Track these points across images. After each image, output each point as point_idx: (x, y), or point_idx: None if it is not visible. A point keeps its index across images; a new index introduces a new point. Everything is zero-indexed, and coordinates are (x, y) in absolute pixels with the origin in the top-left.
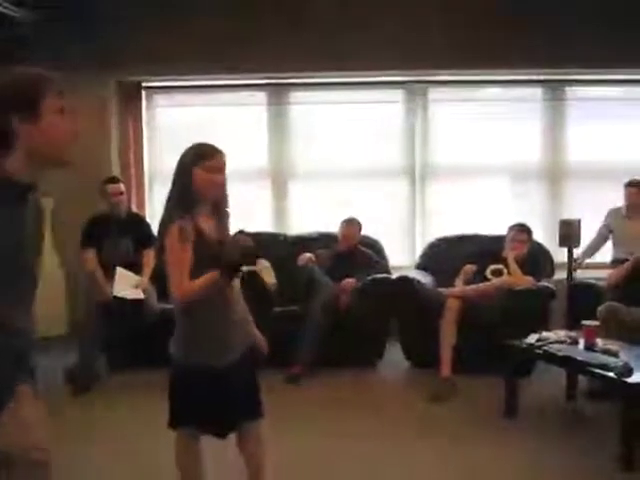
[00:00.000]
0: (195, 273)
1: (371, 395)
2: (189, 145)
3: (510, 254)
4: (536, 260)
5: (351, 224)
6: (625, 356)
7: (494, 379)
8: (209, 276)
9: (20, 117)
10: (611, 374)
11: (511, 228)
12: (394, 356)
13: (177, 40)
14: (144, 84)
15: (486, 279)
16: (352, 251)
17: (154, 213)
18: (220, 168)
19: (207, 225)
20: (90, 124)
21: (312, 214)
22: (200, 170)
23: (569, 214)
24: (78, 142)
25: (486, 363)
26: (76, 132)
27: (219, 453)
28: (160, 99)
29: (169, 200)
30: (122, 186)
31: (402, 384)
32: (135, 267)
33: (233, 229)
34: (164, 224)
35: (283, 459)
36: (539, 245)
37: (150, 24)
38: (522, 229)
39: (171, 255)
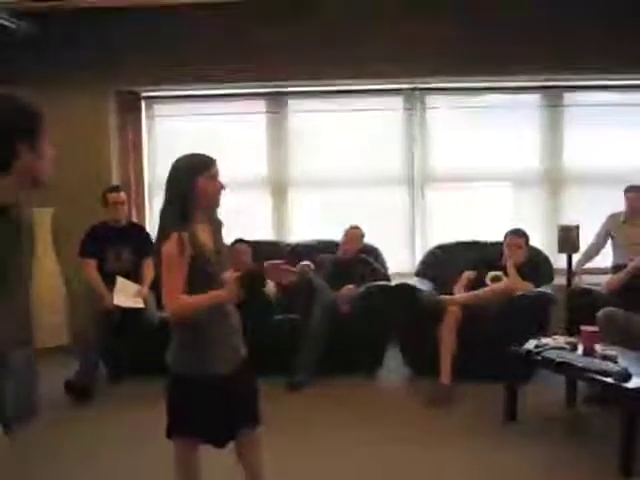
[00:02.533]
0: (192, 284)
1: (371, 402)
2: (181, 156)
3: (509, 260)
4: (535, 266)
5: (356, 229)
6: (624, 362)
7: (494, 385)
8: (211, 295)
9: (24, 144)
10: (610, 380)
11: (507, 234)
12: (394, 363)
13: (176, 50)
14: (143, 94)
15: (485, 286)
16: (352, 258)
17: (153, 223)
18: (218, 175)
19: (204, 234)
20: (90, 134)
21: (311, 222)
22: (204, 179)
23: (568, 220)
24: (78, 152)
25: (486, 369)
26: (54, 158)
27: (218, 462)
28: (159, 109)
29: (165, 209)
30: (123, 195)
31: (402, 391)
32: (135, 276)
33: (232, 237)
34: (161, 234)
35: (283, 467)
36: (538, 251)
37: (149, 34)
38: (518, 234)
39: (167, 266)
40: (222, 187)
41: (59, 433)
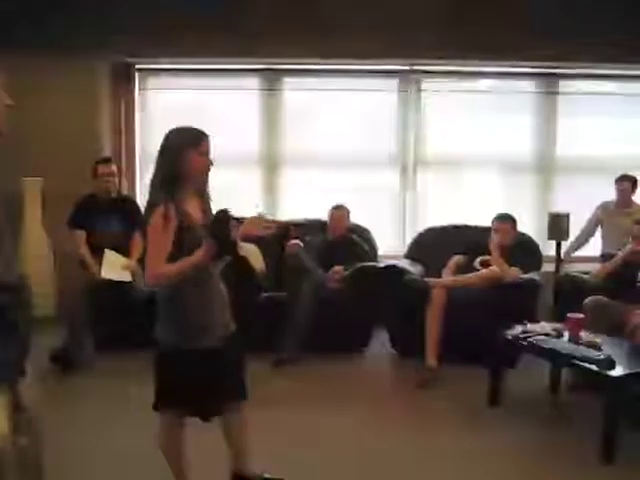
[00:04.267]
0: (179, 255)
1: (357, 382)
2: (174, 128)
3: (492, 243)
4: (523, 252)
5: (339, 210)
6: (608, 349)
7: (479, 369)
8: (188, 260)
9: None
10: (594, 367)
11: (494, 219)
12: (380, 344)
13: (171, 23)
14: (137, 66)
15: (474, 270)
16: (341, 239)
17: (144, 196)
18: (209, 152)
19: (192, 208)
20: (82, 104)
21: (302, 201)
22: (195, 154)
23: (559, 207)
24: (70, 122)
25: (472, 353)
26: (7, 103)
27: (203, 435)
28: (153, 82)
29: (154, 182)
30: (114, 167)
31: (388, 372)
32: (124, 249)
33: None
34: (149, 207)
35: (267, 443)
36: (527, 237)
37: (144, 6)
38: (504, 219)
39: (152, 237)
40: (211, 164)
41: (43, 403)
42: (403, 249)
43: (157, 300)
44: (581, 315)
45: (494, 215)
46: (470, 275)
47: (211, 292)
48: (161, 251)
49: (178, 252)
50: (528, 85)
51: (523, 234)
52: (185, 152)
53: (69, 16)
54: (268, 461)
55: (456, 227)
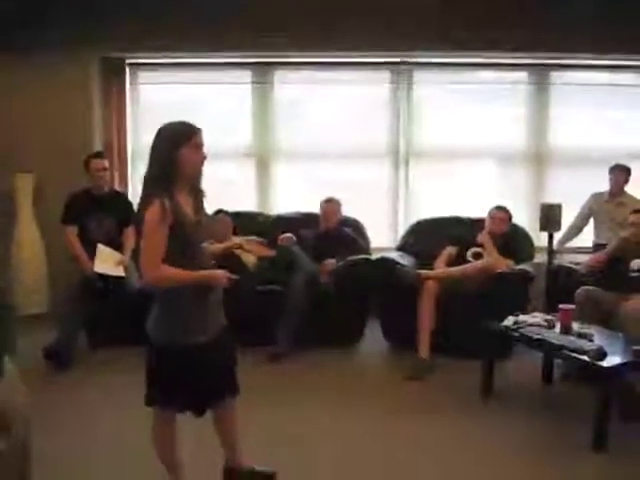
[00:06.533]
0: (171, 252)
1: (350, 374)
2: (166, 123)
3: (484, 231)
4: (515, 243)
5: (330, 203)
6: (600, 340)
7: (472, 360)
8: (195, 275)
9: None
10: (585, 357)
11: (492, 209)
12: (374, 336)
13: (162, 17)
14: (128, 60)
15: (467, 262)
16: (334, 231)
17: (136, 191)
18: (202, 145)
19: (186, 204)
20: (73, 99)
21: (295, 194)
22: (187, 149)
23: (551, 198)
24: (61, 117)
25: (465, 345)
26: None
27: (195, 430)
28: (144, 76)
29: (148, 177)
30: (106, 162)
31: (381, 364)
32: (117, 244)
33: (214, 208)
34: (144, 202)
35: (261, 437)
36: (520, 228)
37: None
38: (502, 208)
39: (148, 233)
40: (204, 157)
41: (37, 399)
42: (396, 241)
43: (150, 295)
44: (573, 306)
45: (488, 207)
46: (464, 266)
47: (204, 288)
48: (158, 248)
49: (171, 249)
50: (520, 76)
51: (515, 225)
52: (178, 147)
53: (60, 11)
54: (261, 455)
55: (448, 219)
